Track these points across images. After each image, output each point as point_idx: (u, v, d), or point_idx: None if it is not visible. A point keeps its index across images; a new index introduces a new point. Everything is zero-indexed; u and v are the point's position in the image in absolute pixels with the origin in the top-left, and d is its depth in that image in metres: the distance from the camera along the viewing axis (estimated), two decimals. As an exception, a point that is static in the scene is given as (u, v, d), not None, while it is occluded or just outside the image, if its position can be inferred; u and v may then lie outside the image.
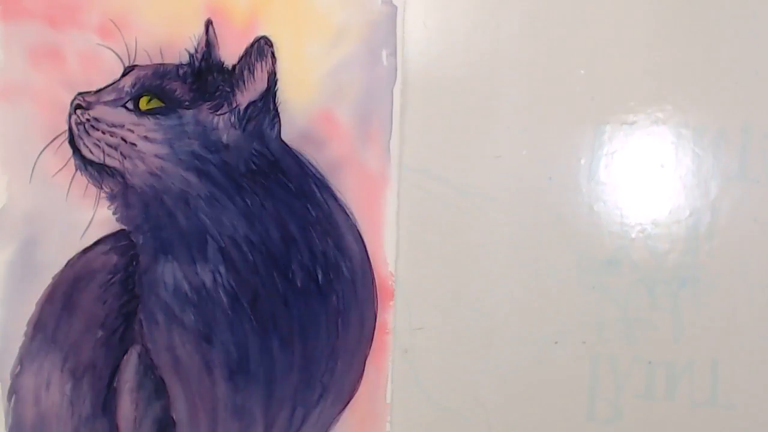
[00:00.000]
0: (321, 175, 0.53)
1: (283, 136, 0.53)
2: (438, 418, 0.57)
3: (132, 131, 0.50)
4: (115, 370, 0.51)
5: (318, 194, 0.53)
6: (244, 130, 0.52)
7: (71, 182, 0.50)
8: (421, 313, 0.57)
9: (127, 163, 0.51)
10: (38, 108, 0.49)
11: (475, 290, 0.56)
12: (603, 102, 0.55)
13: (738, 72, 0.55)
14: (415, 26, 0.55)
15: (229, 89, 0.52)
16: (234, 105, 0.52)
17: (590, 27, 0.55)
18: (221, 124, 0.52)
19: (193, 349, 0.52)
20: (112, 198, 0.51)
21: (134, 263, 0.51)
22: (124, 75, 0.50)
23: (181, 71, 0.51)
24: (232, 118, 0.52)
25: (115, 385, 0.51)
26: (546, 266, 0.57)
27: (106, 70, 0.50)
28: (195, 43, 0.51)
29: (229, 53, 0.52)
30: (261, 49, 0.52)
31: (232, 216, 0.52)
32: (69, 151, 0.50)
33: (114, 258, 0.51)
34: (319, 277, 0.53)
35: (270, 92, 0.52)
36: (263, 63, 0.52)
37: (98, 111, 0.50)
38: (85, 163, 0.50)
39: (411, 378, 0.57)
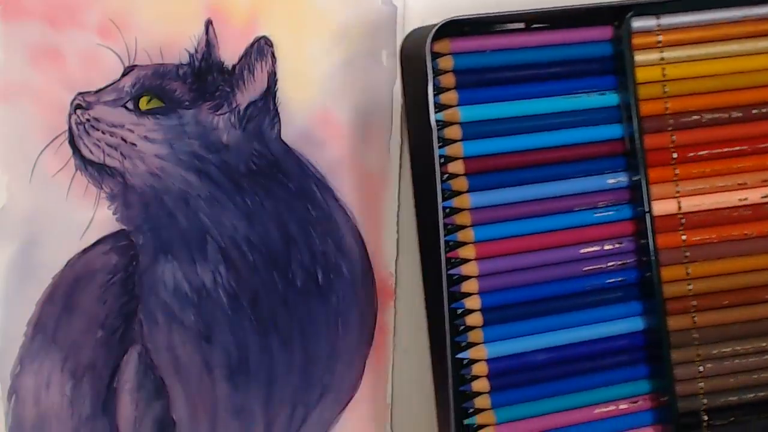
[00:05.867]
0: (321, 175, 0.53)
1: (283, 136, 0.53)
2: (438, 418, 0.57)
3: (132, 131, 0.51)
4: (115, 370, 0.51)
5: (318, 194, 0.53)
6: (244, 130, 0.52)
7: (71, 182, 0.50)
8: (421, 313, 0.57)
9: (127, 163, 0.51)
10: (38, 108, 0.49)
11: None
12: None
13: None
14: (415, 26, 0.55)
15: (229, 89, 0.52)
16: (234, 105, 0.52)
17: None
18: (221, 124, 0.52)
19: (193, 349, 0.52)
20: (112, 198, 0.51)
21: (134, 263, 0.51)
22: (124, 75, 0.50)
23: (181, 71, 0.51)
24: (232, 118, 0.52)
25: (115, 385, 0.51)
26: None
27: (106, 70, 0.50)
28: (195, 43, 0.51)
29: (229, 53, 0.52)
30: (261, 49, 0.52)
31: (232, 216, 0.52)
32: (69, 151, 0.50)
33: (114, 258, 0.51)
34: (319, 277, 0.53)
35: (270, 92, 0.53)
36: (263, 63, 0.52)
37: (98, 111, 0.50)
38: (85, 163, 0.50)
39: (411, 378, 0.57)
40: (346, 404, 0.55)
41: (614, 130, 0.49)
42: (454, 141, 0.47)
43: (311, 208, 0.53)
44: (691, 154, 0.49)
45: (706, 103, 0.49)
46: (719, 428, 0.49)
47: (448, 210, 0.47)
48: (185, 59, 0.51)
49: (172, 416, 0.52)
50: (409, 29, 0.54)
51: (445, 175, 0.47)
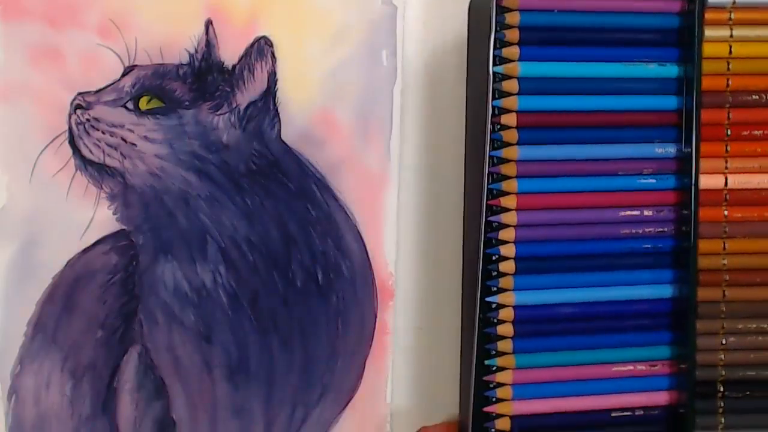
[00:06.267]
0: (321, 175, 0.53)
1: (283, 136, 0.53)
2: (438, 418, 0.57)
3: (132, 131, 0.51)
4: (115, 370, 0.51)
5: (318, 194, 0.53)
6: (244, 130, 0.52)
7: (71, 182, 0.50)
8: (421, 313, 0.57)
9: (127, 163, 0.51)
10: (38, 108, 0.50)
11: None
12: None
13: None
14: (415, 26, 0.55)
15: (229, 89, 0.52)
16: (234, 105, 0.52)
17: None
18: (221, 124, 0.52)
19: (193, 349, 0.52)
20: (112, 198, 0.51)
21: (134, 263, 0.51)
22: (124, 75, 0.50)
23: (181, 71, 0.51)
24: (232, 118, 0.52)
25: (115, 385, 0.51)
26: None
27: (106, 70, 0.50)
28: (195, 43, 0.51)
29: (229, 53, 0.52)
30: (261, 49, 0.52)
31: (232, 216, 0.52)
32: (69, 151, 0.50)
33: (114, 258, 0.51)
34: (319, 277, 0.53)
35: (270, 92, 0.53)
36: (263, 63, 0.52)
37: (98, 111, 0.50)
38: (85, 163, 0.50)
39: (411, 378, 0.57)
40: (346, 404, 0.55)
41: (668, 102, 0.50)
42: (511, 94, 0.48)
43: (311, 208, 0.53)
44: (745, 133, 0.50)
45: None
46: (733, 400, 0.51)
47: (495, 160, 0.49)
48: (185, 59, 0.51)
49: (172, 416, 0.52)
50: (409, 29, 0.54)
51: (498, 126, 0.48)
